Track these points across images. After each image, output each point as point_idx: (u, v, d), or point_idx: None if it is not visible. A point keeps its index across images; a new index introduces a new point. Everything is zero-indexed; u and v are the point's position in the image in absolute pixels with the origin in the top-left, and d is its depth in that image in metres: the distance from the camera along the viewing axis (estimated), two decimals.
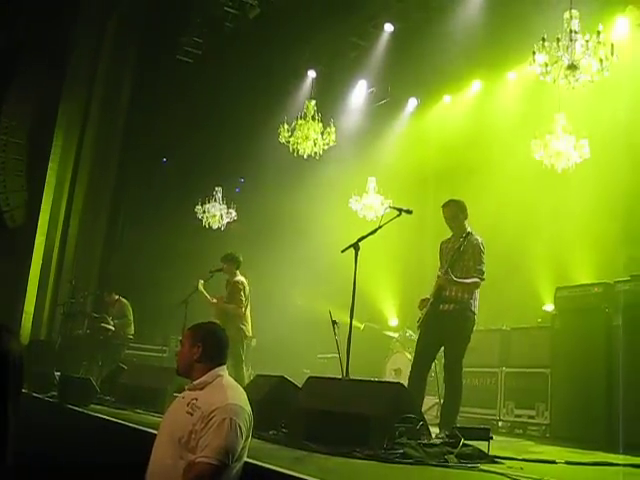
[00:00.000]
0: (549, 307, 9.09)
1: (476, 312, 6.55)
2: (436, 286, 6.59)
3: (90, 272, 13.92)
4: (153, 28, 14.18)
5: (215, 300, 9.00)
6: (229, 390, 3.49)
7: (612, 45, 7.68)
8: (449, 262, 6.52)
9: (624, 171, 8.86)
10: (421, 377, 6.63)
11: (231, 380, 3.63)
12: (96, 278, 13.87)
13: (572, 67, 7.76)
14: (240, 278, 9.13)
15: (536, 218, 10.13)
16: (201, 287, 9.03)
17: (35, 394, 8.11)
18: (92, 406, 7.47)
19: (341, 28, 12.29)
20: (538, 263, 9.73)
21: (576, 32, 7.79)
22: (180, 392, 3.84)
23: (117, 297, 11.39)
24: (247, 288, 9.10)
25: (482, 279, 6.50)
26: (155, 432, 3.86)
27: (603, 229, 9.03)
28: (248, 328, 9.09)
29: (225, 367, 3.68)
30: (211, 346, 3.67)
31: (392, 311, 12.71)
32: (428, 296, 6.65)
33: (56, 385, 8.34)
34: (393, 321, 12.58)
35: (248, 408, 3.45)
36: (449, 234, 6.91)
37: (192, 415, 3.37)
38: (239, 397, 3.47)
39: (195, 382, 3.60)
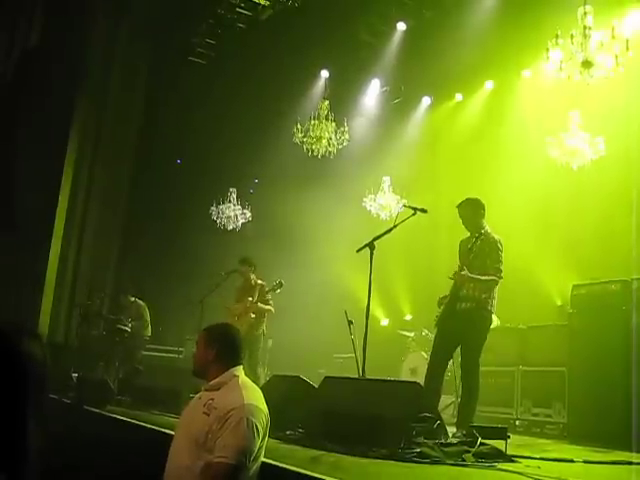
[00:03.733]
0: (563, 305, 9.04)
1: (493, 311, 6.53)
2: (453, 284, 6.57)
3: (107, 274, 13.98)
4: (165, 29, 14.21)
5: (251, 299, 9.11)
6: (245, 390, 3.49)
7: (627, 41, 7.63)
8: (464, 261, 6.50)
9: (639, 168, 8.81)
10: (438, 376, 6.61)
11: (247, 380, 3.64)
12: (113, 280, 13.92)
13: (587, 63, 7.72)
14: (262, 281, 9.35)
15: (552, 215, 10.09)
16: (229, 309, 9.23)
17: (52, 395, 8.15)
18: (109, 407, 7.51)
19: (353, 27, 12.27)
20: (554, 260, 9.68)
21: (590, 28, 7.74)
22: (196, 393, 3.84)
23: (133, 299, 11.43)
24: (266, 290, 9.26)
25: (500, 277, 6.47)
26: (172, 433, 3.87)
27: (619, 226, 8.98)
28: (264, 328, 9.35)
29: (241, 367, 3.68)
30: (226, 347, 3.68)
31: (407, 309, 12.69)
32: (446, 294, 6.63)
33: (73, 386, 8.39)
34: (407, 317, 12.54)
35: (265, 408, 3.46)
36: (464, 232, 6.89)
37: (209, 415, 3.38)
38: (256, 397, 3.48)
39: (211, 383, 3.61)
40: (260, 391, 3.61)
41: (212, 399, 3.47)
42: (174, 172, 15.37)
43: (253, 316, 9.10)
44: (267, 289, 9.28)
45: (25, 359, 1.59)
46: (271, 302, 9.31)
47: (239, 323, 8.66)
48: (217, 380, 3.58)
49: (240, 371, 3.64)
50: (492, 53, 11.02)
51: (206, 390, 3.63)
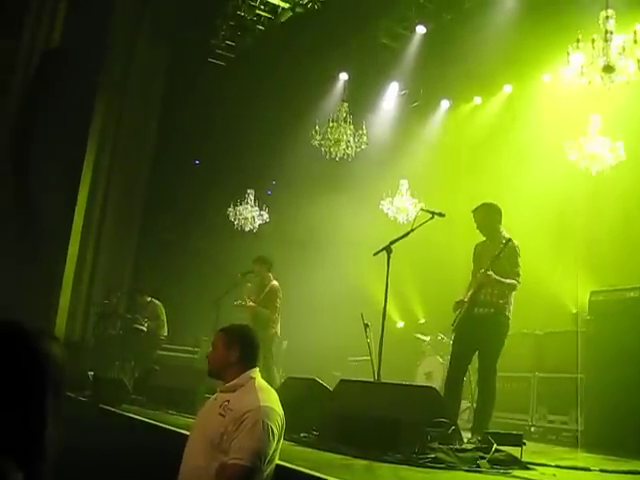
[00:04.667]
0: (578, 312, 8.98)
1: (510, 317, 6.50)
2: (472, 287, 6.54)
3: (124, 273, 14.05)
4: (185, 30, 14.28)
5: (251, 304, 9.07)
6: (261, 392, 3.49)
7: None
8: (489, 265, 6.44)
9: None
10: (458, 381, 6.59)
11: (263, 382, 3.64)
12: (130, 279, 13.99)
13: (608, 68, 7.66)
14: (275, 283, 9.28)
15: (570, 221, 10.02)
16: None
17: (69, 393, 8.20)
18: (125, 406, 7.54)
19: (373, 30, 12.27)
20: (572, 266, 9.61)
21: (612, 32, 7.69)
22: (212, 393, 3.85)
23: (150, 299, 11.48)
24: (281, 293, 9.18)
25: (519, 282, 6.45)
26: (187, 433, 3.88)
27: (638, 232, 8.91)
28: (278, 329, 9.23)
29: (257, 369, 3.68)
30: (246, 348, 3.68)
31: (422, 312, 12.64)
32: (463, 298, 6.61)
33: (89, 385, 8.44)
34: (422, 320, 12.50)
35: (280, 410, 3.46)
36: (481, 236, 6.86)
37: (224, 417, 3.38)
38: (271, 399, 3.48)
39: (228, 384, 3.61)
40: (276, 393, 3.61)
41: (228, 401, 3.47)
42: (192, 172, 15.43)
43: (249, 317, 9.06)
44: (280, 292, 9.23)
45: (45, 360, 1.60)
46: (278, 306, 9.18)
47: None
48: (234, 382, 3.58)
49: (257, 373, 3.64)
50: (512, 57, 10.97)
51: (222, 392, 3.63)
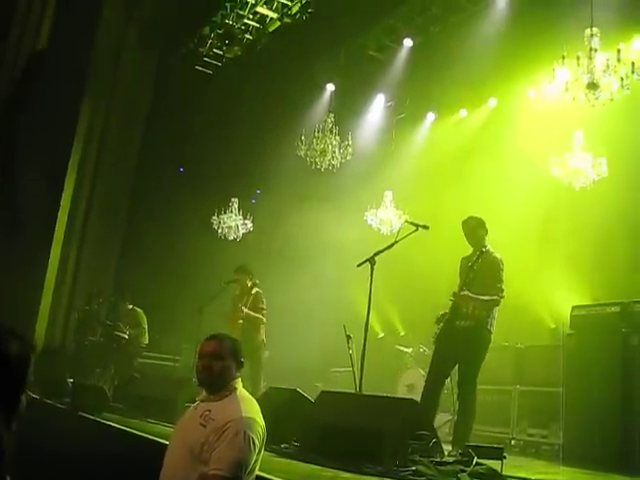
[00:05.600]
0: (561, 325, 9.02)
1: (492, 330, 6.51)
2: (453, 302, 6.56)
3: (105, 280, 13.94)
4: (173, 38, 14.28)
5: (245, 309, 9.08)
6: (244, 403, 3.47)
7: (632, 63, 7.66)
8: (464, 279, 6.50)
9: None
10: (435, 393, 6.60)
11: (245, 392, 3.61)
12: (111, 286, 13.89)
13: (592, 85, 7.74)
14: (258, 289, 9.29)
15: (552, 235, 10.08)
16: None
17: (48, 400, 8.13)
18: (104, 414, 7.48)
19: (360, 42, 12.33)
20: (554, 281, 9.66)
21: (596, 50, 7.77)
22: (192, 402, 3.80)
23: (131, 306, 11.41)
24: (264, 299, 9.23)
25: (501, 296, 6.46)
26: (167, 442, 3.85)
27: (620, 248, 8.99)
28: (264, 336, 9.31)
29: (240, 379, 3.66)
30: (240, 359, 3.66)
31: (404, 324, 12.65)
32: (446, 311, 6.62)
33: (69, 392, 8.37)
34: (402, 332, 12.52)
35: (262, 421, 3.43)
36: (465, 248, 6.89)
37: (205, 427, 3.35)
38: (253, 410, 3.46)
39: (213, 395, 3.54)
40: (257, 404, 3.59)
41: (209, 410, 3.43)
42: (176, 180, 15.38)
43: (241, 322, 9.06)
44: (264, 299, 9.26)
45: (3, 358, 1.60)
46: (264, 311, 9.26)
47: (232, 331, 8.69)
48: (221, 392, 3.53)
49: (239, 383, 3.61)
50: (497, 71, 11.06)
51: (203, 401, 3.58)
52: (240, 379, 3.64)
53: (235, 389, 3.55)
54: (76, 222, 13.79)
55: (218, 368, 3.55)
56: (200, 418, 3.42)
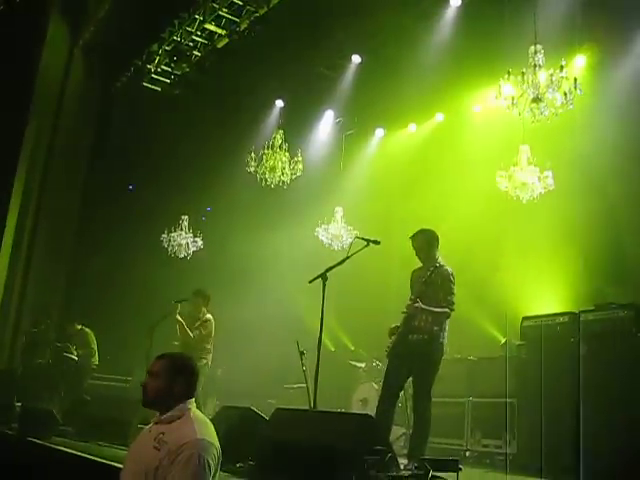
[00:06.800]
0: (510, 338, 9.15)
1: (445, 343, 6.56)
2: (405, 315, 6.59)
3: (53, 300, 13.67)
4: (121, 56, 14.16)
5: (191, 334, 8.99)
6: (197, 424, 3.41)
7: (575, 79, 7.85)
8: (417, 292, 6.54)
9: (587, 202, 9.03)
10: (390, 406, 6.60)
11: (199, 414, 3.55)
12: (59, 307, 13.63)
13: (537, 100, 7.91)
14: (209, 316, 9.23)
15: (502, 248, 10.23)
16: (179, 317, 9.04)
17: None
18: (54, 438, 7.30)
19: (309, 58, 12.38)
20: (504, 293, 9.80)
21: (540, 66, 7.95)
22: (146, 424, 3.73)
23: (80, 327, 11.22)
24: (213, 325, 9.17)
25: (452, 309, 6.52)
26: (120, 466, 3.78)
27: (567, 259, 9.16)
28: (209, 360, 9.17)
29: (193, 400, 3.60)
30: (190, 379, 3.59)
31: (356, 339, 12.65)
32: (397, 324, 6.65)
33: (16, 417, 8.15)
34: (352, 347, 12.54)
35: (216, 443, 3.39)
36: (415, 263, 6.94)
37: (159, 450, 3.29)
38: (207, 432, 3.41)
39: (163, 416, 3.49)
40: (212, 425, 3.54)
41: (163, 433, 3.37)
42: (126, 198, 15.21)
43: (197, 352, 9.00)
44: (213, 325, 9.17)
45: None
46: (212, 335, 9.16)
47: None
48: (170, 413, 3.47)
49: (192, 404, 3.55)
50: (444, 86, 11.23)
51: (157, 423, 3.51)
52: (193, 400, 3.58)
53: (188, 409, 3.50)
54: (22, 244, 13.53)
55: (152, 387, 3.52)
56: (154, 441, 3.35)
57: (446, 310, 6.50)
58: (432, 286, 6.52)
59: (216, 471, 3.35)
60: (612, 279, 8.57)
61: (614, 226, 8.85)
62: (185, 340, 9.00)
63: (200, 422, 3.46)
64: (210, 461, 3.26)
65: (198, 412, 3.56)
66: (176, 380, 3.52)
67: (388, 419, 6.55)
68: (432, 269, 6.50)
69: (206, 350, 9.07)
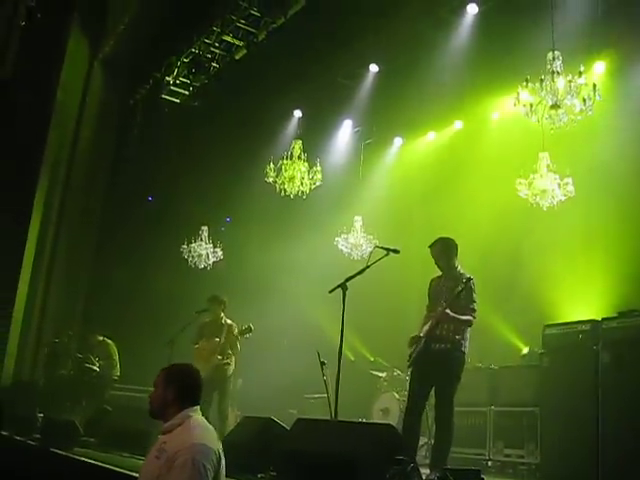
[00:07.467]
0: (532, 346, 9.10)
1: (466, 352, 6.53)
2: (429, 323, 6.55)
3: (75, 312, 13.77)
4: (140, 68, 14.28)
5: (218, 340, 9.05)
6: (195, 430, 3.45)
7: (594, 85, 7.80)
8: (447, 301, 6.47)
9: (607, 208, 8.96)
10: (416, 417, 6.56)
11: (201, 420, 3.59)
12: (81, 318, 13.72)
13: (555, 106, 7.87)
14: (230, 321, 9.34)
15: (523, 256, 10.17)
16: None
17: (17, 437, 7.95)
18: (76, 449, 7.33)
19: (328, 68, 12.40)
20: (525, 301, 9.73)
21: (559, 73, 7.91)
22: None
23: (102, 338, 11.28)
24: (236, 329, 9.20)
25: (474, 317, 6.49)
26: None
27: (589, 266, 9.08)
28: (232, 362, 9.29)
29: (197, 408, 3.63)
30: (184, 387, 3.63)
31: (377, 349, 12.59)
32: (418, 334, 6.62)
33: (39, 428, 8.20)
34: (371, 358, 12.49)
35: (215, 446, 3.40)
36: (435, 271, 6.91)
37: (159, 459, 3.35)
38: (205, 436, 3.43)
39: (166, 425, 3.56)
40: (212, 430, 3.57)
41: (165, 442, 3.44)
42: (145, 209, 15.29)
43: (219, 357, 9.05)
44: (236, 330, 9.23)
45: None
46: (239, 344, 9.24)
47: (206, 364, 8.64)
48: (171, 422, 3.53)
49: (195, 412, 3.59)
50: (464, 95, 11.23)
51: (162, 433, 3.58)
52: (196, 407, 3.61)
53: (188, 417, 3.53)
54: (44, 256, 13.64)
55: (153, 397, 3.68)
56: (156, 451, 3.44)
57: (470, 318, 6.47)
58: (459, 296, 6.48)
59: (217, 474, 3.37)
60: (635, 286, 8.48)
61: (636, 233, 8.76)
62: (211, 347, 9.05)
63: (199, 427, 3.50)
64: (206, 464, 3.27)
65: (200, 418, 3.59)
66: (168, 388, 3.60)
67: (415, 430, 6.52)
68: (465, 281, 6.44)
69: (229, 361, 9.13)
